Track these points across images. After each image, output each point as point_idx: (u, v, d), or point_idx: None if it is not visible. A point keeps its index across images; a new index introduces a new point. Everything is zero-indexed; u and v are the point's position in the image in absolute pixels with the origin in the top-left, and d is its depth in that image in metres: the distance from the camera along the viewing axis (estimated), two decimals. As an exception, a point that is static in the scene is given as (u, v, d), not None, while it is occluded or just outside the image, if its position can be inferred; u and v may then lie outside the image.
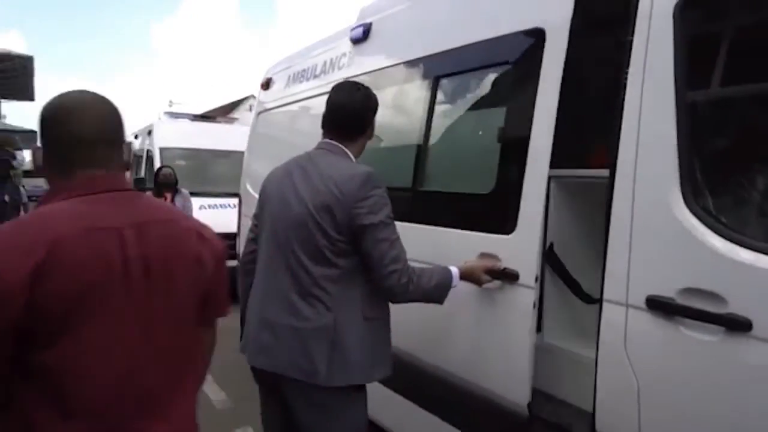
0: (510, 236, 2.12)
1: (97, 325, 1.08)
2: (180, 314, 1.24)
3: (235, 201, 5.44)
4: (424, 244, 2.40)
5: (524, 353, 2.07)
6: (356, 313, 1.85)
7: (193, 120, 10.23)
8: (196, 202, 7.54)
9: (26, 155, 13.90)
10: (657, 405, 1.70)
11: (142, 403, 1.16)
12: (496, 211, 2.22)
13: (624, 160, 1.79)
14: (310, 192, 1.86)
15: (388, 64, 2.97)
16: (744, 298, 1.47)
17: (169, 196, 6.01)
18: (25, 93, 16.99)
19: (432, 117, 2.64)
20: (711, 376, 1.55)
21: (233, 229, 5.25)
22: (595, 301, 2.23)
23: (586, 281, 2.44)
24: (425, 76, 2.71)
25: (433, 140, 2.67)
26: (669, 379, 1.66)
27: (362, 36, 3.21)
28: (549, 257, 2.47)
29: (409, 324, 2.33)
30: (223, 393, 4.32)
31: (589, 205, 2.43)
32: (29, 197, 9.24)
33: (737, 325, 1.47)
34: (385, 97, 2.67)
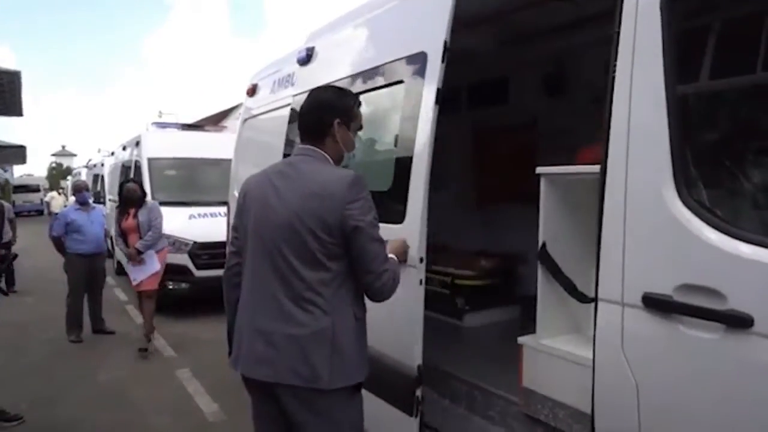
0: (401, 225, 2.54)
1: None
2: None
3: (225, 210, 5.38)
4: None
5: (416, 322, 2.46)
6: (349, 314, 1.88)
7: (181, 129, 10.15)
8: (185, 211, 7.46)
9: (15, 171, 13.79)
10: (657, 406, 1.65)
11: None
12: (392, 205, 2.61)
13: (615, 155, 1.74)
14: (298, 197, 1.85)
15: (326, 81, 3.33)
16: (744, 294, 1.42)
17: (132, 211, 5.64)
18: (13, 108, 16.83)
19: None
20: (712, 375, 1.50)
21: (224, 238, 5.17)
22: (590, 300, 2.19)
23: (581, 280, 2.39)
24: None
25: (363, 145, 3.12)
26: (668, 379, 1.61)
27: (306, 59, 3.73)
28: (542, 256, 2.42)
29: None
30: (216, 405, 4.26)
31: (581, 203, 2.38)
32: (17, 213, 9.12)
33: (738, 322, 1.42)
34: None
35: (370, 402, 2.40)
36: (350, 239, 1.81)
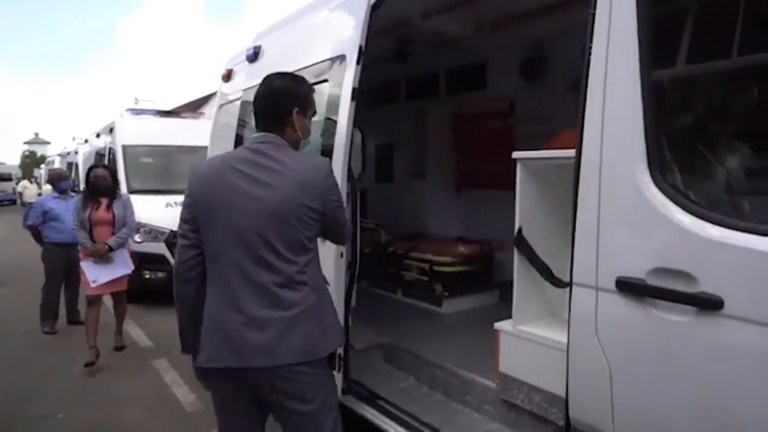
0: None
1: None
2: None
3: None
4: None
5: (337, 290, 2.76)
6: (323, 286, 2.03)
7: (156, 116, 9.95)
8: (161, 200, 7.33)
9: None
10: (629, 388, 1.66)
11: None
12: None
13: (590, 139, 1.74)
14: (283, 186, 1.85)
15: None
16: (715, 276, 1.43)
17: (105, 202, 4.90)
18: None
19: None
20: (684, 357, 1.51)
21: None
22: (566, 285, 2.19)
23: (557, 265, 2.40)
24: None
25: None
26: (641, 361, 1.63)
27: (253, 56, 4.08)
28: (518, 242, 2.41)
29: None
30: (193, 395, 4.20)
31: (557, 188, 2.38)
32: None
33: (709, 304, 1.43)
34: None
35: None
36: (329, 216, 1.96)
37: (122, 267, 4.93)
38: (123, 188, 7.90)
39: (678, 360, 1.53)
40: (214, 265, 1.90)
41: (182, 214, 1.95)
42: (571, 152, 1.84)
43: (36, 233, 5.84)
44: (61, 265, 5.83)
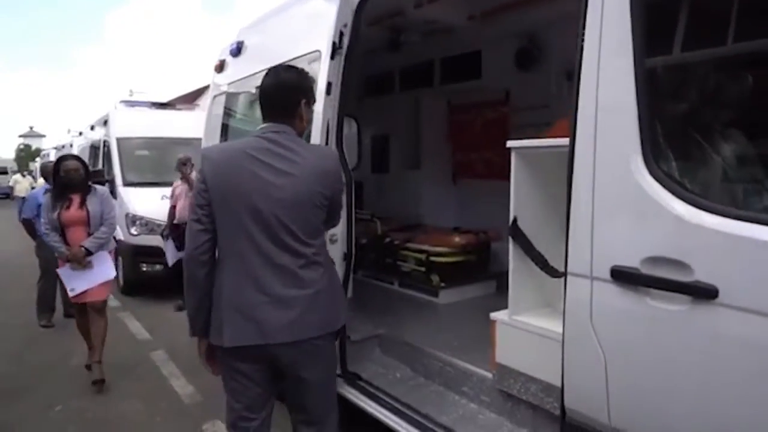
0: None
1: None
2: None
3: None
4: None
5: None
6: (332, 263, 2.21)
7: (151, 108, 9.87)
8: (157, 192, 7.29)
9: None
10: (624, 377, 1.66)
11: None
12: None
13: (584, 127, 1.72)
14: (303, 175, 1.97)
15: (250, 73, 3.85)
16: (709, 265, 1.42)
17: (77, 198, 4.17)
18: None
19: None
20: (678, 346, 1.51)
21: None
22: (562, 274, 2.19)
23: (553, 255, 2.39)
24: None
25: None
26: (636, 351, 1.62)
27: (236, 51, 4.20)
28: (513, 232, 2.40)
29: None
30: (191, 387, 4.22)
31: (552, 177, 2.37)
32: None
33: (704, 293, 1.43)
34: (248, 98, 3.99)
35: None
36: (335, 200, 2.12)
37: (103, 273, 4.25)
38: (118, 180, 7.87)
39: (673, 349, 1.52)
40: (232, 249, 1.99)
41: (196, 199, 2.02)
42: (566, 141, 1.83)
43: (30, 227, 5.80)
44: (56, 259, 5.79)
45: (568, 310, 1.80)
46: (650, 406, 1.60)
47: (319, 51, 3.01)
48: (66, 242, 4.14)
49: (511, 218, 2.40)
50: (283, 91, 2.06)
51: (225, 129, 4.27)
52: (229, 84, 4.25)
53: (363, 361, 3.28)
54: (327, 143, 2.91)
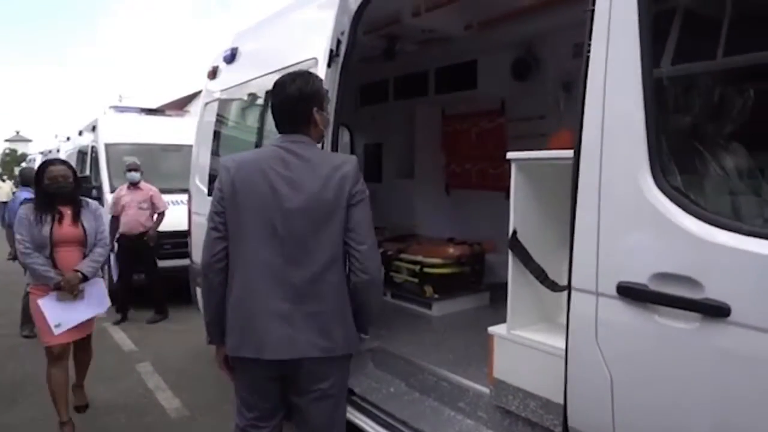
0: None
1: None
2: None
3: (186, 198, 5.12)
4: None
5: None
6: (345, 286, 2.03)
7: (140, 114, 9.76)
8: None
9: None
10: (631, 397, 1.61)
11: None
12: None
13: (589, 140, 1.68)
14: (316, 181, 1.94)
15: (244, 80, 3.86)
16: (721, 282, 1.38)
17: (68, 212, 3.44)
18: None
19: (264, 120, 3.60)
20: (688, 365, 1.46)
21: (185, 226, 4.98)
22: (562, 288, 2.14)
23: (552, 268, 2.35)
24: (263, 89, 3.58)
25: (264, 138, 3.58)
26: (643, 369, 1.57)
27: (231, 57, 4.15)
28: (512, 244, 2.36)
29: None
30: (178, 400, 4.11)
31: (553, 189, 2.33)
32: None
33: (715, 311, 1.38)
34: (242, 104, 4.05)
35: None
36: (352, 212, 1.97)
37: (97, 303, 3.58)
38: (105, 187, 7.74)
39: (682, 369, 1.47)
40: (241, 258, 1.97)
41: (214, 207, 2.03)
42: (569, 153, 1.79)
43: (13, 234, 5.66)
44: None
45: (572, 327, 1.75)
46: (658, 427, 1.55)
47: (315, 58, 2.97)
48: (54, 265, 3.36)
49: (511, 231, 2.35)
50: (291, 105, 2.05)
51: (217, 136, 4.22)
52: (222, 91, 4.21)
53: (356, 375, 3.19)
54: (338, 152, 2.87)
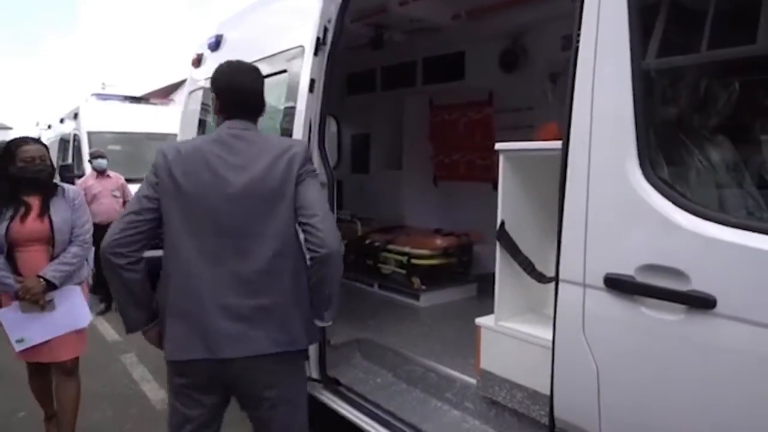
0: None
1: None
2: None
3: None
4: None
5: None
6: (304, 276, 1.90)
7: (124, 101, 9.61)
8: (131, 189, 7.07)
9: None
10: (617, 388, 1.62)
11: None
12: None
13: (578, 131, 1.67)
14: (263, 164, 1.82)
15: None
16: (707, 274, 1.39)
17: (36, 203, 2.79)
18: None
19: None
20: (673, 357, 1.47)
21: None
22: (549, 280, 2.15)
23: (539, 259, 2.35)
24: None
25: None
26: (629, 360, 1.58)
27: (215, 45, 4.06)
28: (500, 236, 2.35)
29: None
30: (163, 391, 4.07)
31: (541, 180, 2.33)
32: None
33: (701, 303, 1.39)
34: None
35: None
36: (300, 189, 1.84)
37: (71, 317, 2.85)
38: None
39: (668, 360, 1.48)
40: (181, 251, 1.81)
41: (141, 191, 1.85)
42: (557, 144, 1.78)
43: None
44: None
45: (559, 318, 1.76)
46: (644, 419, 1.56)
47: (302, 46, 2.93)
48: (16, 270, 2.72)
49: (499, 222, 2.35)
50: (259, 93, 2.00)
51: (202, 125, 4.15)
52: (206, 79, 4.12)
53: (343, 366, 3.19)
54: (309, 141, 2.82)
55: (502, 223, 2.35)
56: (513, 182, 2.38)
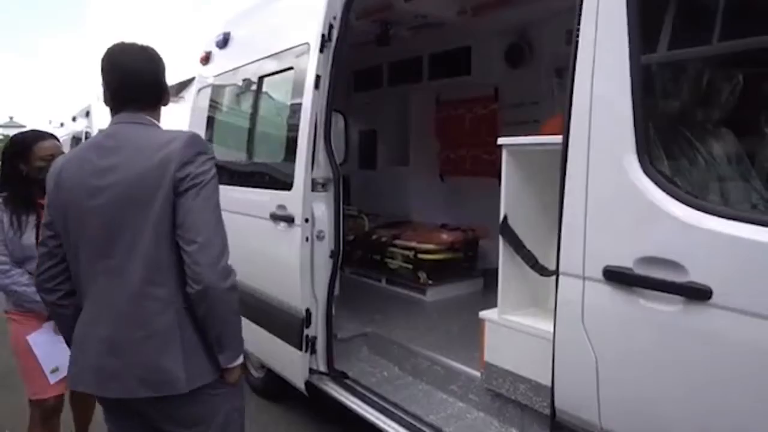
0: (290, 192, 2.93)
1: None
2: None
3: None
4: (247, 200, 3.35)
5: (304, 273, 2.88)
6: (182, 300, 1.54)
7: (134, 100, 9.68)
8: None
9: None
10: (615, 378, 1.65)
11: None
12: (284, 175, 3.06)
13: (577, 125, 1.69)
14: (134, 165, 1.51)
15: (238, 65, 3.81)
16: (704, 265, 1.41)
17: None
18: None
19: (257, 106, 3.59)
20: (671, 347, 1.50)
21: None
22: (552, 273, 2.16)
23: (542, 253, 2.37)
24: (255, 74, 3.60)
25: (257, 124, 3.60)
26: (628, 351, 1.61)
27: (223, 42, 4.07)
28: (503, 230, 2.37)
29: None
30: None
31: (544, 175, 2.34)
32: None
33: (697, 294, 1.41)
34: (236, 89, 3.90)
35: (272, 341, 3.13)
36: (180, 202, 1.49)
37: None
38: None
39: (665, 350, 1.51)
40: (77, 277, 1.61)
41: (46, 217, 1.65)
42: (558, 138, 1.80)
43: None
44: None
45: (560, 311, 1.78)
46: (641, 408, 1.58)
47: (308, 44, 2.95)
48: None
49: (502, 216, 2.37)
50: (154, 74, 1.68)
51: (211, 122, 4.19)
52: (215, 76, 4.16)
53: (350, 360, 3.24)
54: (315, 138, 2.86)
55: (505, 218, 2.37)
56: (516, 177, 2.40)
